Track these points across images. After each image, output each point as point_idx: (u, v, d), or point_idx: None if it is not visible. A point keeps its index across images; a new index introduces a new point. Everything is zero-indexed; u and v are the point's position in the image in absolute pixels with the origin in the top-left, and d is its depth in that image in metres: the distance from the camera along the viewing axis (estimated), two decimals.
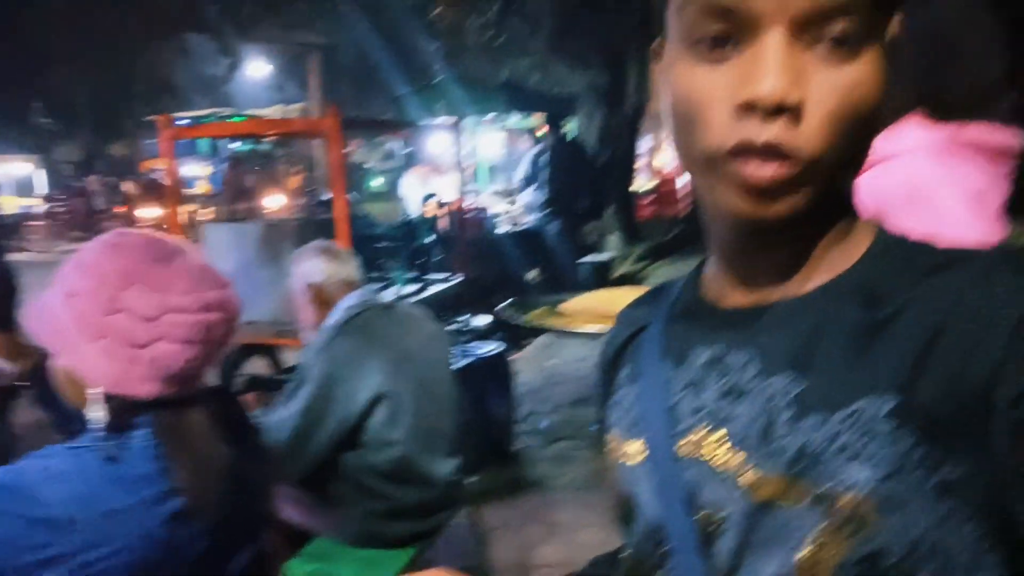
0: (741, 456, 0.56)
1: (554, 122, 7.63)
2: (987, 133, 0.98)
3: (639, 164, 11.85)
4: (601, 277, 7.70)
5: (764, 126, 0.49)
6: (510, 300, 3.08)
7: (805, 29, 0.49)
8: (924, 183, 0.96)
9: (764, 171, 0.50)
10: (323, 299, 2.12)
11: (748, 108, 0.49)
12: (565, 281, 7.01)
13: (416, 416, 2.04)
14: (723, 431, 0.57)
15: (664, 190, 12.53)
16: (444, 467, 2.13)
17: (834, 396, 0.52)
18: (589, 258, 7.87)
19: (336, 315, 2.10)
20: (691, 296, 0.66)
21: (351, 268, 2.18)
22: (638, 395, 0.66)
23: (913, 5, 0.99)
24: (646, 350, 0.67)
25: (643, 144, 12.45)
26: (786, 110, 0.49)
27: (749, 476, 0.55)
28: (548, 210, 7.11)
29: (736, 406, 0.57)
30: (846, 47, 0.49)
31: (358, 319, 2.08)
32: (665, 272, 9.44)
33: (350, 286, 2.15)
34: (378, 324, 2.11)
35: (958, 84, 0.98)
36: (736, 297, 0.60)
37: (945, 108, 0.98)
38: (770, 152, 0.49)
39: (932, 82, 0.98)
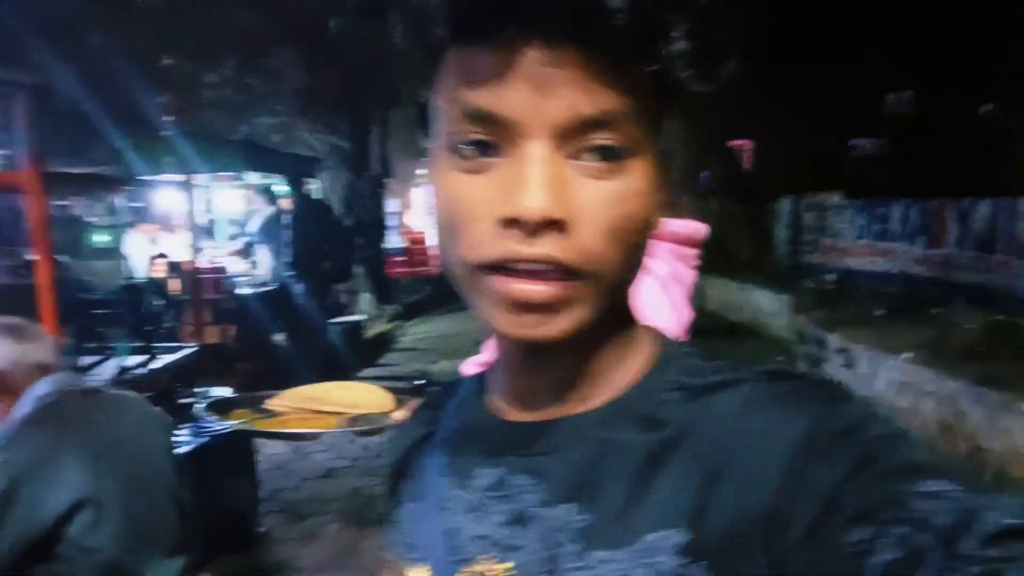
0: None
1: (296, 182, 7.41)
2: (680, 225, 1.09)
3: (389, 224, 11.91)
4: (354, 338, 7.53)
5: (530, 242, 0.47)
6: (206, 402, 2.80)
7: (568, 140, 0.47)
8: None
9: (533, 290, 0.47)
10: (7, 388, 1.80)
11: (510, 224, 0.47)
12: (316, 344, 6.76)
13: (126, 517, 1.78)
14: (510, 563, 0.53)
15: (415, 249, 12.68)
16: (164, 569, 1.88)
17: (620, 531, 0.48)
18: (340, 319, 7.68)
19: (23, 406, 1.79)
20: (475, 404, 0.62)
21: (44, 349, 1.88)
22: (417, 516, 0.61)
23: None
24: (428, 465, 0.62)
25: (392, 204, 12.55)
26: (552, 224, 0.46)
27: None
28: (293, 271, 6.84)
29: (521, 535, 0.53)
30: (612, 160, 0.48)
31: (51, 410, 1.78)
32: (421, 330, 9.49)
33: (42, 371, 1.84)
34: (76, 414, 1.82)
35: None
36: (517, 410, 0.57)
37: None
38: (538, 271, 0.47)
39: None
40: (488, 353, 1.37)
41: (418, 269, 12.33)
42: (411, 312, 10.47)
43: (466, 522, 0.56)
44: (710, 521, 0.46)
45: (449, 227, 0.50)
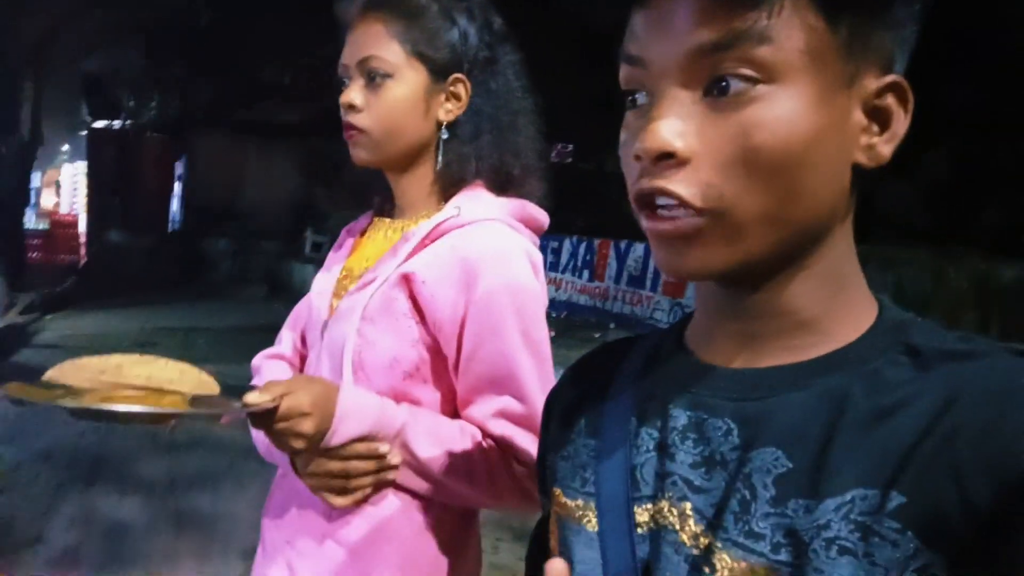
0: (709, 536, 0.49)
1: None
2: (536, 211, 1.11)
3: (31, 200, 10.15)
4: None
5: (654, 173, 0.48)
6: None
7: (694, 75, 0.47)
8: (507, 248, 1.03)
9: (661, 224, 0.49)
10: None
11: (638, 159, 0.49)
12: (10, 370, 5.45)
13: None
14: (688, 503, 0.51)
15: (59, 233, 10.97)
16: None
17: (826, 481, 0.45)
18: None
19: None
20: (672, 347, 0.59)
21: None
22: (597, 451, 0.58)
23: (481, 92, 1.07)
24: (611, 402, 0.59)
25: (36, 179, 10.74)
26: (670, 157, 0.47)
27: (718, 559, 0.48)
28: None
29: (710, 478, 0.50)
30: (740, 91, 0.46)
31: None
32: (64, 326, 8.17)
33: None
34: None
35: (515, 162, 1.09)
36: (721, 355, 0.54)
37: (502, 182, 1.09)
38: (666, 206, 0.48)
39: (496, 157, 1.08)
40: (280, 345, 1.23)
41: (61, 256, 10.68)
42: (52, 304, 9.01)
43: (654, 460, 0.54)
44: (933, 492, 0.42)
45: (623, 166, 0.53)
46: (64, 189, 12.13)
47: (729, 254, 0.48)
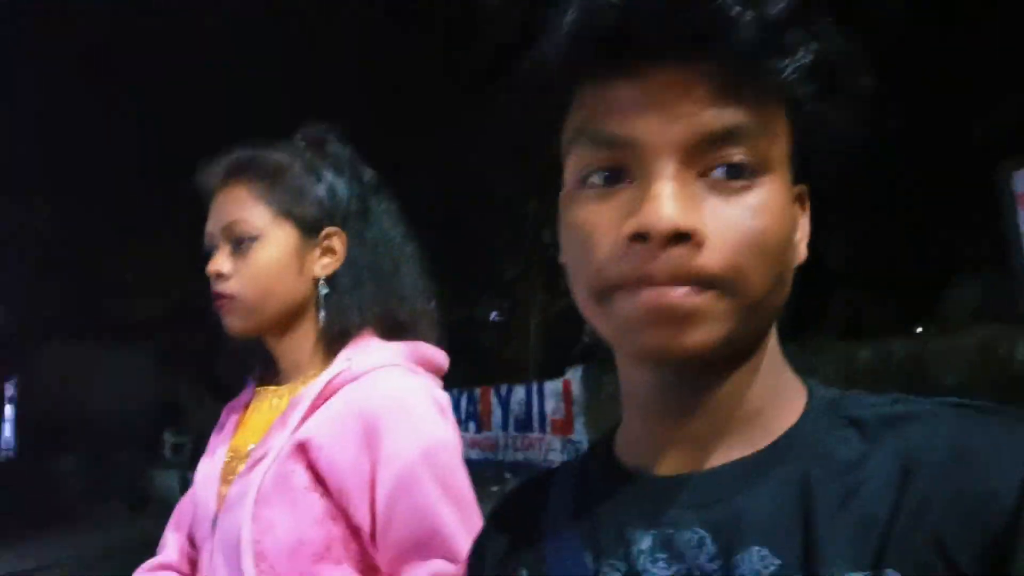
0: None
1: None
2: (432, 352, 1.07)
3: None
4: None
5: (662, 256, 0.46)
6: None
7: (695, 158, 0.47)
8: (408, 394, 0.97)
9: (669, 294, 0.46)
10: None
11: (640, 239, 0.46)
12: None
13: None
14: None
15: None
16: None
17: (819, 570, 0.44)
18: None
19: None
20: (605, 469, 0.56)
21: None
22: None
23: (357, 243, 1.05)
24: (553, 543, 0.54)
25: None
26: (683, 237, 0.45)
27: None
28: None
29: None
30: (741, 177, 0.47)
31: None
32: None
33: None
34: None
35: (401, 308, 1.07)
36: (666, 462, 0.52)
37: (391, 329, 1.05)
38: (674, 280, 0.46)
39: (381, 305, 1.05)
40: (164, 552, 1.07)
41: None
42: None
43: None
44: (922, 567, 0.42)
45: (578, 255, 0.50)
46: None
47: (726, 332, 0.47)
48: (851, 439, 0.49)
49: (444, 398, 1.02)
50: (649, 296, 0.46)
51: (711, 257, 0.46)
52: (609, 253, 0.48)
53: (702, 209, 0.46)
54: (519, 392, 7.41)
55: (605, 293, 0.48)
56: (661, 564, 0.49)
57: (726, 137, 0.47)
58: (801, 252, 0.53)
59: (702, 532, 0.48)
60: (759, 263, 0.47)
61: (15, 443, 12.11)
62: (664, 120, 0.47)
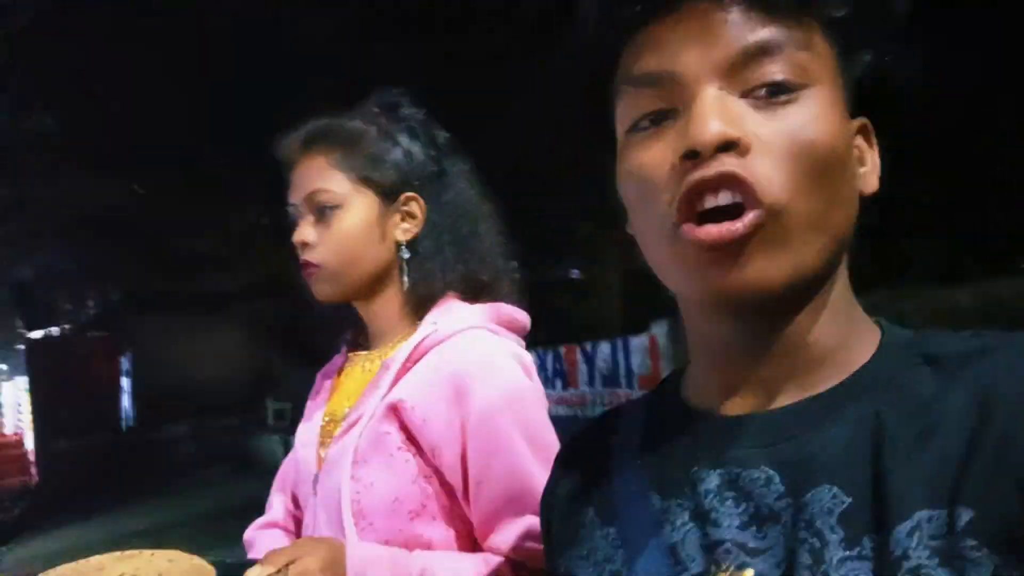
0: None
1: None
2: (514, 312, 1.08)
3: None
4: None
5: (712, 164, 0.46)
6: None
7: (735, 78, 0.48)
8: (494, 354, 0.98)
9: (724, 228, 0.46)
10: None
11: (691, 156, 0.47)
12: None
13: None
14: (750, 571, 0.46)
15: (6, 455, 10.44)
16: None
17: (891, 509, 0.43)
18: None
19: None
20: (671, 409, 0.56)
21: None
22: (621, 539, 0.52)
23: (436, 206, 1.05)
24: (621, 482, 0.54)
25: None
26: (730, 146, 0.46)
27: None
28: None
29: (764, 535, 0.46)
30: (782, 93, 0.48)
31: None
32: (20, 556, 7.61)
33: None
34: None
35: (483, 269, 1.07)
36: (734, 404, 0.52)
37: (473, 290, 1.06)
38: (727, 209, 0.46)
39: (463, 267, 1.06)
40: (271, 512, 1.13)
41: (13, 480, 10.14)
42: (5, 535, 8.43)
43: (695, 532, 0.50)
44: (1000, 501, 0.41)
45: (640, 200, 0.51)
46: (6, 409, 11.67)
47: (784, 263, 0.47)
48: (926, 377, 0.48)
49: (528, 358, 1.03)
50: (707, 229, 0.46)
51: (760, 167, 0.46)
52: (668, 182, 0.48)
53: (746, 123, 0.47)
54: (604, 348, 7.39)
55: (667, 233, 0.49)
56: (729, 503, 0.49)
57: (762, 51, 0.48)
58: (871, 183, 0.53)
59: (770, 471, 0.48)
60: (808, 179, 0.47)
61: (133, 413, 12.91)
62: (701, 47, 0.48)
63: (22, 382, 12.02)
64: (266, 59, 5.05)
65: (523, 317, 1.08)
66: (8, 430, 11.28)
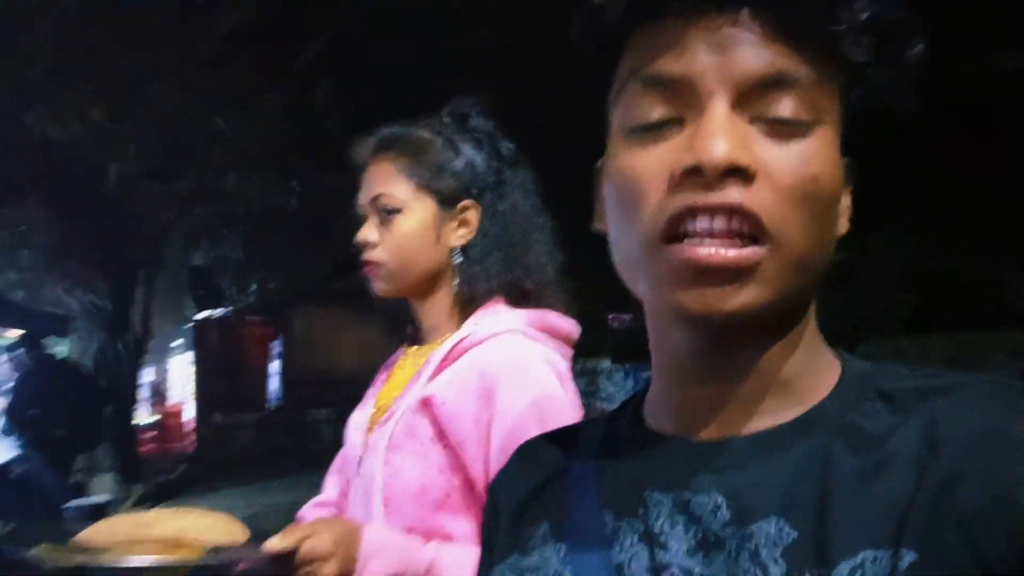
0: None
1: (34, 341, 6.53)
2: (558, 320, 1.11)
3: (142, 395, 10.78)
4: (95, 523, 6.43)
5: (715, 190, 0.45)
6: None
7: (748, 101, 0.47)
8: (526, 358, 1.02)
9: (717, 253, 0.44)
10: None
11: (693, 173, 0.45)
12: (46, 532, 5.65)
13: None
14: None
15: (169, 424, 11.51)
16: None
17: (834, 545, 0.43)
18: (78, 501, 6.58)
19: None
20: (630, 429, 0.56)
21: None
22: (570, 557, 0.52)
23: (490, 215, 1.10)
24: (573, 497, 0.54)
25: (147, 374, 11.44)
26: (737, 172, 0.45)
27: None
28: (19, 440, 5.84)
29: (710, 562, 0.46)
30: (791, 126, 0.47)
31: None
32: None
33: None
34: None
35: (528, 277, 1.11)
36: (693, 426, 0.51)
37: (518, 297, 1.10)
38: (721, 233, 0.45)
39: (509, 274, 1.10)
40: (326, 492, 1.21)
41: (172, 445, 11.13)
42: (162, 494, 9.29)
43: (643, 554, 0.49)
44: (944, 542, 0.41)
45: (626, 203, 0.49)
46: (173, 381, 12.85)
47: (770, 295, 0.46)
48: (880, 412, 0.48)
49: (563, 365, 1.05)
50: (698, 250, 0.45)
51: (764, 197, 0.45)
52: (662, 193, 0.47)
53: (754, 150, 0.46)
54: None
55: (654, 245, 0.47)
56: (679, 527, 0.48)
57: (779, 82, 0.47)
58: (843, 224, 0.52)
59: (719, 497, 0.48)
60: (807, 214, 0.46)
61: (280, 395, 13.79)
62: (719, 60, 0.47)
63: (188, 357, 13.17)
64: (417, 58, 5.27)
65: (568, 325, 1.11)
66: (173, 401, 12.42)
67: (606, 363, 9.58)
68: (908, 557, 0.41)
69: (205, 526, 0.92)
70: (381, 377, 1.20)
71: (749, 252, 0.45)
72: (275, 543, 0.85)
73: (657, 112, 0.48)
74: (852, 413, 0.48)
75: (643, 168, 0.48)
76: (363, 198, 1.13)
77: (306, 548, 0.86)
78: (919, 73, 0.50)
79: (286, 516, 0.93)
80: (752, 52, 0.47)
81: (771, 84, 0.47)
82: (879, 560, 0.41)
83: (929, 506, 0.42)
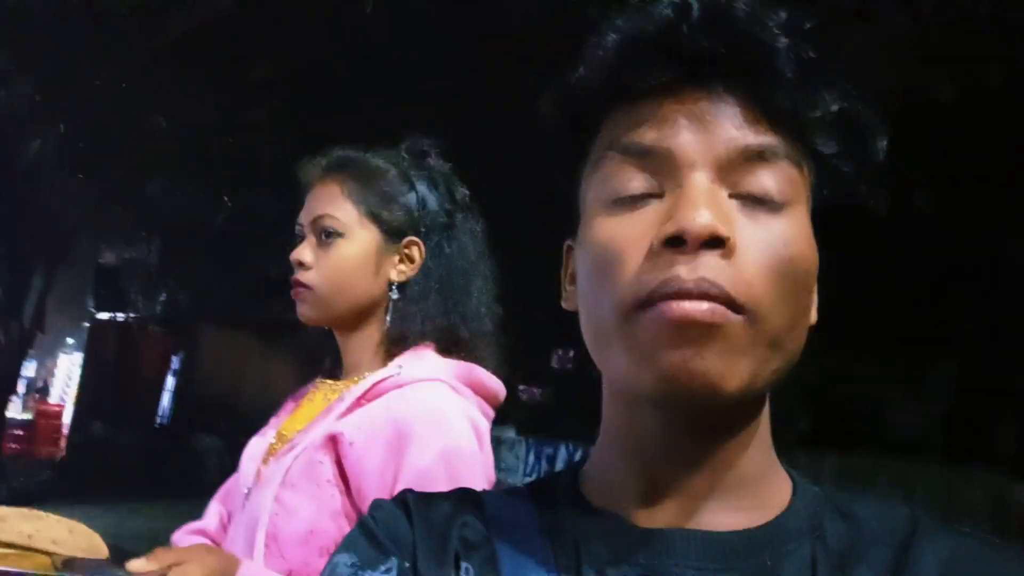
0: None
1: None
2: (485, 376, 1.06)
3: (20, 389, 10.08)
4: None
5: (692, 264, 0.45)
6: None
7: (727, 176, 0.47)
8: (446, 411, 0.97)
9: (695, 308, 0.44)
10: None
11: (674, 242, 0.45)
12: None
13: None
14: None
15: (42, 424, 10.75)
16: None
17: None
18: None
19: None
20: (576, 508, 0.53)
21: None
22: None
23: (434, 255, 1.06)
24: (524, 566, 0.49)
25: (29, 368, 10.73)
26: (717, 244, 0.45)
27: None
28: None
29: None
30: (769, 204, 0.47)
31: None
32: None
33: None
34: None
35: (464, 325, 1.07)
36: (654, 513, 0.50)
37: (449, 345, 1.05)
38: (703, 293, 0.44)
39: (445, 319, 1.06)
40: (205, 519, 1.11)
41: (41, 448, 10.40)
42: (17, 499, 8.61)
43: None
44: None
45: (602, 272, 0.48)
46: (57, 380, 12.08)
47: (744, 370, 0.45)
48: (841, 530, 0.49)
49: (483, 424, 1.00)
50: (676, 309, 0.44)
51: (743, 271, 0.45)
52: (640, 263, 0.46)
53: (733, 225, 0.46)
54: None
55: (632, 310, 0.46)
56: None
57: (760, 156, 0.47)
58: (813, 315, 0.52)
59: None
60: (784, 293, 0.46)
61: (170, 413, 13.15)
62: (700, 133, 0.47)
63: (78, 358, 12.46)
64: (366, 92, 5.25)
65: (494, 384, 1.06)
66: (53, 400, 11.64)
67: (510, 433, 9.50)
68: None
69: (62, 535, 0.82)
70: (287, 407, 1.13)
71: (725, 320, 0.44)
72: (139, 565, 0.76)
73: (636, 183, 0.48)
74: (818, 525, 0.49)
75: (622, 237, 0.48)
76: (304, 217, 1.08)
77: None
78: (882, 170, 0.51)
79: (152, 545, 0.84)
80: (732, 126, 0.48)
81: (751, 158, 0.47)
82: None
83: None
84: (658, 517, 0.50)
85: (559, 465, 8.22)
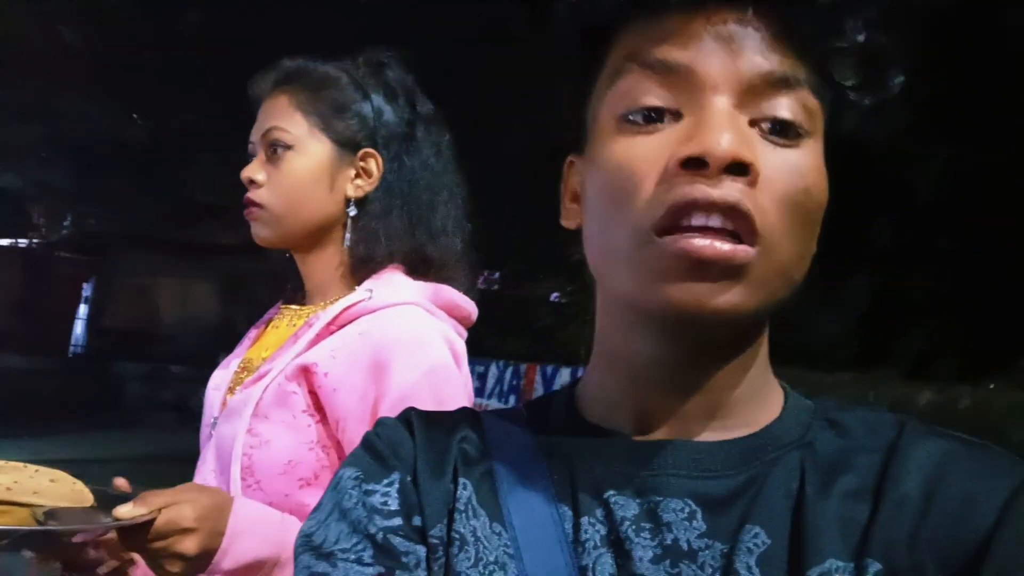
0: None
1: None
2: (457, 297, 1.03)
3: None
4: None
5: (719, 184, 0.44)
6: None
7: (750, 100, 0.47)
8: (425, 335, 0.94)
9: (712, 246, 0.44)
10: None
11: (693, 164, 0.44)
12: None
13: None
14: None
15: None
16: None
17: (804, 552, 0.44)
18: None
19: None
20: (573, 426, 0.53)
21: None
22: (517, 547, 0.48)
23: (395, 169, 1.01)
24: (512, 488, 0.51)
25: None
26: (739, 169, 0.44)
27: None
28: None
29: (680, 572, 0.45)
30: (788, 135, 0.47)
31: None
32: None
33: None
34: None
35: (432, 244, 1.02)
36: (649, 428, 0.51)
37: (418, 265, 1.01)
38: (715, 230, 0.44)
39: (411, 238, 1.01)
40: None
41: None
42: None
43: (607, 559, 0.47)
44: (904, 556, 0.43)
45: (617, 193, 0.47)
46: None
47: (755, 300, 0.46)
48: (830, 438, 0.50)
49: (461, 345, 0.99)
50: (694, 242, 0.44)
51: (759, 200, 0.45)
52: (657, 184, 0.46)
53: (755, 151, 0.45)
54: (564, 374, 7.36)
55: (646, 238, 0.45)
56: (646, 534, 0.47)
57: (783, 83, 0.47)
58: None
59: (693, 505, 0.47)
60: (796, 223, 0.46)
61: (84, 341, 12.70)
62: (725, 54, 0.46)
63: None
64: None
65: (468, 305, 1.04)
66: None
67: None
68: (873, 567, 0.43)
69: (42, 484, 0.77)
70: (250, 335, 1.08)
71: (742, 250, 0.44)
72: (127, 511, 0.73)
73: (656, 99, 0.47)
74: (809, 434, 0.51)
75: (639, 157, 0.47)
76: (254, 134, 1.01)
77: (164, 519, 0.74)
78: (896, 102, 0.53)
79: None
80: (758, 50, 0.47)
81: (775, 84, 0.47)
82: (845, 570, 0.44)
83: (884, 525, 0.44)
84: (653, 434, 0.51)
85: (491, 383, 8.35)
